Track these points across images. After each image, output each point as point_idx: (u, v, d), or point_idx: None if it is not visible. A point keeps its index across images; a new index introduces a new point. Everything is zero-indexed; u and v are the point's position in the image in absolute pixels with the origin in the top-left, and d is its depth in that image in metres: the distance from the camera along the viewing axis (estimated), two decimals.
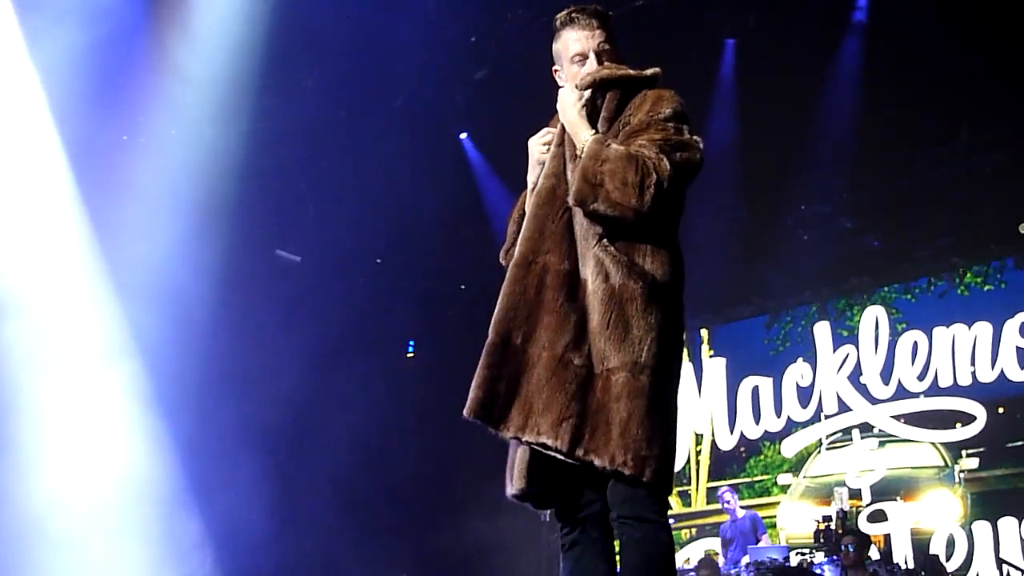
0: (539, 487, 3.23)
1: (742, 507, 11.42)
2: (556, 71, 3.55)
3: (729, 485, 11.87)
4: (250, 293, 11.43)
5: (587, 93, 3.36)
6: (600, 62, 3.43)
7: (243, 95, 10.50)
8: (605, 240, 3.19)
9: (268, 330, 11.47)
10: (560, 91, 3.42)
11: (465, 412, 3.13)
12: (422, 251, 12.85)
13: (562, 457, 3.07)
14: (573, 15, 3.49)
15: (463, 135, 12.49)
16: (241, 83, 10.37)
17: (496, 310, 3.21)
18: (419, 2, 10.31)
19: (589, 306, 3.16)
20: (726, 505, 11.05)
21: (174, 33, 10.01)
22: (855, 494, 11.34)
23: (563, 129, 3.38)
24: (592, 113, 3.35)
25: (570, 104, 3.34)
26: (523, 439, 3.09)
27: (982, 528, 10.92)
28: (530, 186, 3.48)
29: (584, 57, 3.45)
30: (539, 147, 3.46)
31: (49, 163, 9.93)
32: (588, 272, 3.19)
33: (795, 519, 11.85)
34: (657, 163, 3.13)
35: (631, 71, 3.43)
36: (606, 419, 3.06)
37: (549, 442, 3.05)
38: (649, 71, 3.45)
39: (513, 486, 3.25)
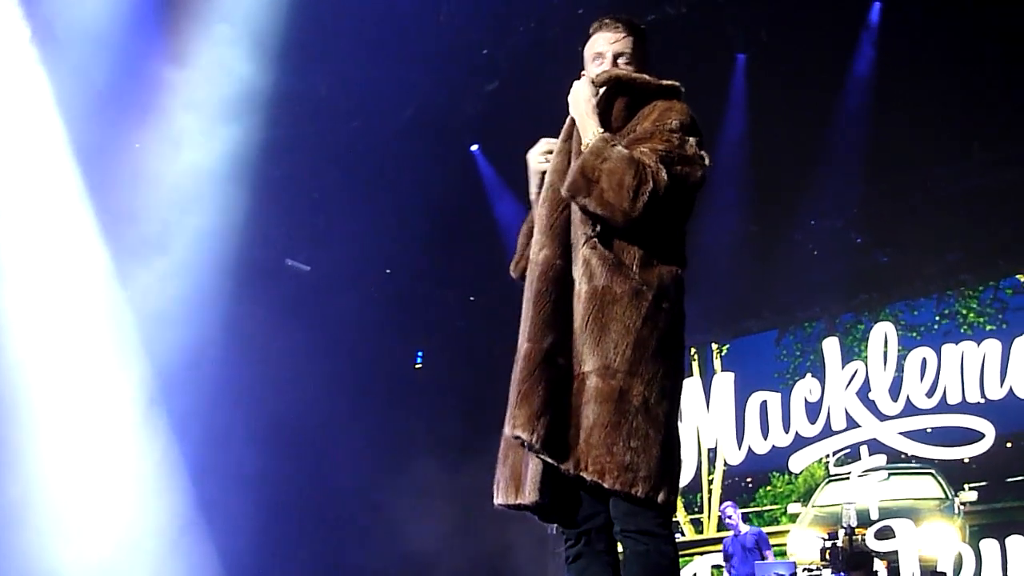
0: (550, 498, 3.18)
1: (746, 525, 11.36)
2: (582, 74, 3.52)
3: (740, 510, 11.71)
4: (259, 302, 11.45)
5: (602, 90, 3.37)
6: (615, 62, 3.44)
7: (255, 103, 10.53)
8: (595, 240, 3.17)
9: (276, 339, 11.47)
10: (574, 83, 3.40)
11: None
12: (431, 262, 12.86)
13: (534, 454, 3.07)
14: (605, 21, 3.53)
15: (474, 147, 12.51)
16: (253, 91, 10.39)
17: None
18: (431, 13, 10.34)
19: (574, 304, 3.16)
20: (728, 520, 11.00)
21: (187, 40, 10.04)
22: (863, 514, 11.29)
23: (572, 123, 3.38)
24: (604, 111, 3.34)
25: (583, 98, 3.33)
26: (505, 432, 3.09)
27: (990, 546, 10.88)
28: (532, 197, 3.49)
29: (602, 56, 3.46)
30: (537, 158, 3.48)
31: (59, 170, 9.95)
32: (576, 271, 3.19)
33: (804, 546, 11.79)
34: (656, 172, 3.11)
35: (648, 78, 3.43)
36: (576, 422, 3.06)
37: (524, 436, 3.02)
38: (666, 81, 3.44)
39: (525, 497, 3.18)
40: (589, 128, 3.27)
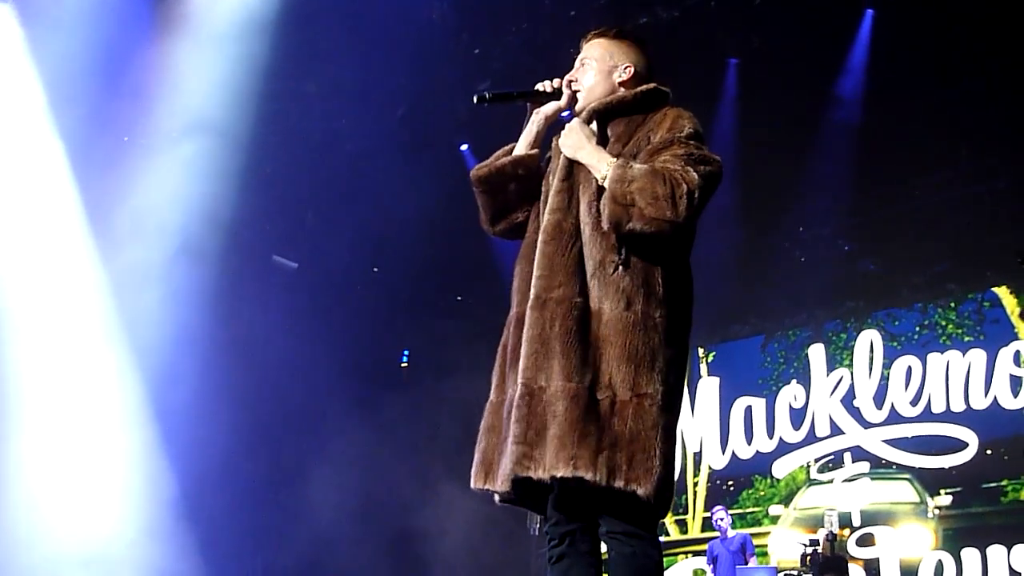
0: (520, 492, 3.22)
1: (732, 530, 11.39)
2: (569, 125, 3.57)
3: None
4: (246, 298, 11.42)
5: (594, 126, 3.42)
6: (582, 65, 3.54)
7: (245, 100, 10.50)
8: (622, 268, 3.19)
9: (263, 335, 11.45)
10: (565, 129, 3.43)
11: (508, 472, 3.14)
12: (419, 261, 12.84)
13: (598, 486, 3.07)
14: (603, 29, 3.61)
15: (464, 146, 12.48)
16: (243, 88, 10.36)
17: (521, 357, 3.20)
18: (423, 13, 10.32)
19: (607, 335, 3.15)
20: (719, 523, 11.02)
21: (176, 36, 10.01)
22: (844, 517, 11.37)
23: (567, 162, 3.39)
24: (601, 141, 3.38)
25: (586, 137, 3.36)
26: (559, 476, 3.05)
27: (971, 555, 10.92)
28: (520, 149, 3.58)
29: (576, 67, 3.56)
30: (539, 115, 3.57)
31: (48, 163, 9.92)
32: (606, 301, 3.18)
33: (785, 546, 11.90)
34: (684, 174, 3.14)
35: (621, 94, 3.47)
36: (643, 447, 3.08)
37: (588, 476, 3.02)
38: (642, 88, 3.48)
39: (498, 485, 3.24)
40: (602, 163, 3.27)
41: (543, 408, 3.11)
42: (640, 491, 3.04)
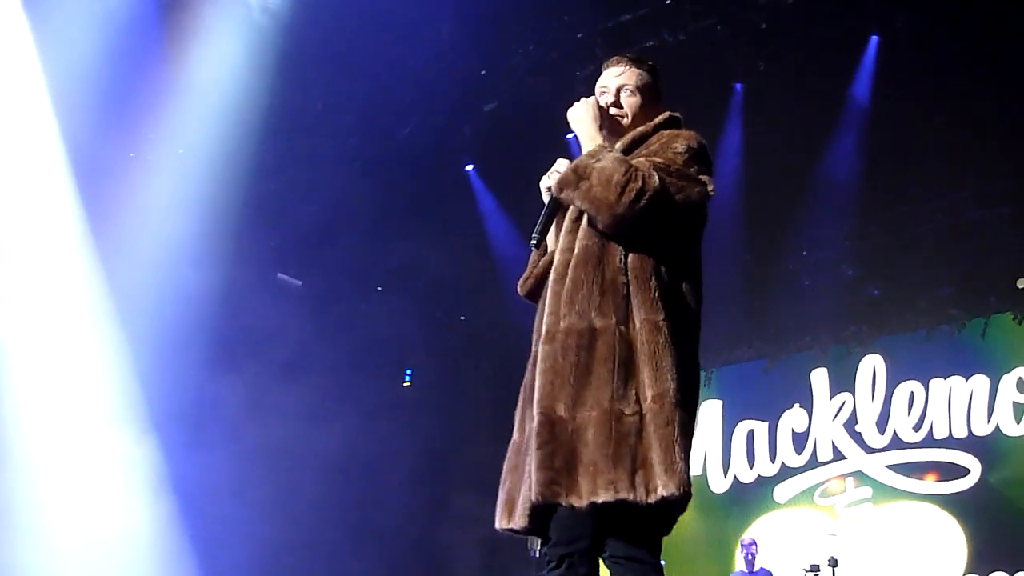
0: (542, 522, 3.20)
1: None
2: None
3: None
4: (250, 316, 11.41)
5: (600, 101, 3.46)
6: (617, 95, 3.52)
7: (252, 117, 10.53)
8: (626, 283, 3.19)
9: (266, 354, 11.44)
10: (576, 103, 3.47)
11: (533, 497, 3.10)
12: (422, 280, 12.85)
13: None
14: (614, 58, 3.63)
15: (469, 167, 12.51)
16: (251, 105, 10.39)
17: (536, 389, 3.20)
18: (431, 33, 10.37)
19: (620, 352, 3.14)
20: (750, 557, 10.79)
21: (185, 52, 10.05)
22: (844, 545, 11.30)
23: None
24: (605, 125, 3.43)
25: (589, 117, 3.42)
26: (599, 501, 3.04)
27: None
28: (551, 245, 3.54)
29: (607, 89, 3.55)
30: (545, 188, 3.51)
31: (54, 177, 9.93)
32: (612, 318, 3.18)
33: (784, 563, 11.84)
34: (647, 175, 3.15)
35: (641, 128, 3.47)
36: (667, 449, 3.08)
37: (629, 497, 3.02)
38: (660, 118, 3.50)
39: (515, 522, 3.23)
40: (592, 142, 3.35)
41: (569, 436, 3.09)
42: (665, 492, 3.04)
